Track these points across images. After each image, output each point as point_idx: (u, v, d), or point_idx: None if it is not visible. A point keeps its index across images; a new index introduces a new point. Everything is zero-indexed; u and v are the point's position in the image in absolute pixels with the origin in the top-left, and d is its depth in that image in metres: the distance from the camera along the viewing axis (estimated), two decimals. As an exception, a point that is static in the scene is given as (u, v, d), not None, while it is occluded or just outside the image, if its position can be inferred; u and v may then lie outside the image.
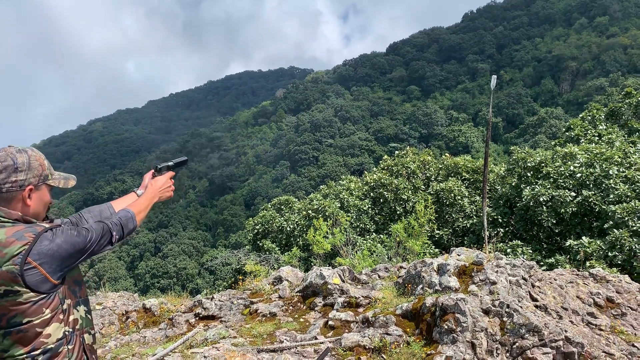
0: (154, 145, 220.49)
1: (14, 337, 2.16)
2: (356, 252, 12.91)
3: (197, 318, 7.84)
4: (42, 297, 2.18)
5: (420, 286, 7.04)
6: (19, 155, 2.30)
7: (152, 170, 3.08)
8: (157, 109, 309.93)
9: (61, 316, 2.28)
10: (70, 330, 2.34)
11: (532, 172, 16.93)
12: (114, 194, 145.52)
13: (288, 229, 19.11)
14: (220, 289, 20.28)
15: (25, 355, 2.18)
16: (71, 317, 2.35)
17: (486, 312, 5.90)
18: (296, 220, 19.24)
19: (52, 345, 2.23)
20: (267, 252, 17.82)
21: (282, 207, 22.06)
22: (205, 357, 5.71)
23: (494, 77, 11.54)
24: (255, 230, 20.19)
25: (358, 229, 18.43)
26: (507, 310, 5.83)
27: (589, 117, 20.75)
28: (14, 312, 2.14)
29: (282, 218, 20.18)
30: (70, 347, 2.32)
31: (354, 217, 18.57)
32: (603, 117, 20.74)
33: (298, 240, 18.31)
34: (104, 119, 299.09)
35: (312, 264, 15.62)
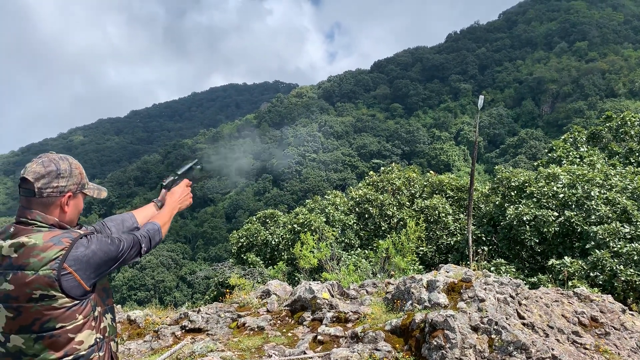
0: (135, 156, 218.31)
1: (46, 342, 2.17)
2: (341, 267, 12.90)
3: (183, 331, 7.75)
4: (76, 303, 2.20)
5: (410, 302, 7.07)
6: (61, 162, 2.35)
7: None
8: (139, 119, 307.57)
9: (93, 323, 2.30)
10: (101, 337, 2.36)
11: (515, 192, 17.17)
12: (93, 204, 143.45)
13: (273, 242, 19.03)
14: (201, 302, 20.04)
15: None
16: (102, 325, 2.37)
17: (475, 329, 5.95)
18: (281, 234, 19.18)
19: (84, 352, 2.25)
20: (252, 266, 17.70)
21: (267, 220, 21.99)
22: (193, 370, 5.65)
23: (482, 97, 11.75)
24: (240, 243, 20.07)
25: (343, 244, 18.44)
26: (495, 327, 5.88)
27: (571, 139, 21.17)
28: (48, 316, 2.15)
29: (267, 231, 20.10)
30: (101, 354, 2.34)
31: (339, 232, 18.59)
32: (584, 139, 21.19)
33: (283, 254, 18.24)
34: (85, 127, 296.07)
35: (297, 278, 15.55)
